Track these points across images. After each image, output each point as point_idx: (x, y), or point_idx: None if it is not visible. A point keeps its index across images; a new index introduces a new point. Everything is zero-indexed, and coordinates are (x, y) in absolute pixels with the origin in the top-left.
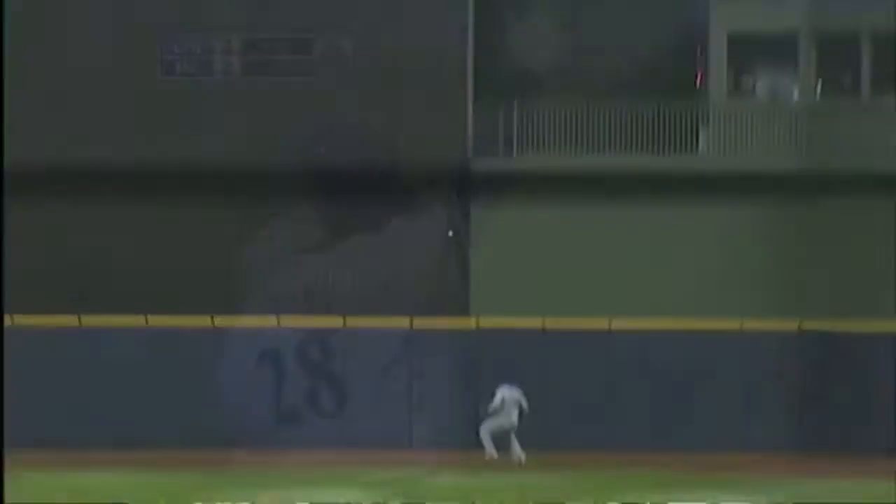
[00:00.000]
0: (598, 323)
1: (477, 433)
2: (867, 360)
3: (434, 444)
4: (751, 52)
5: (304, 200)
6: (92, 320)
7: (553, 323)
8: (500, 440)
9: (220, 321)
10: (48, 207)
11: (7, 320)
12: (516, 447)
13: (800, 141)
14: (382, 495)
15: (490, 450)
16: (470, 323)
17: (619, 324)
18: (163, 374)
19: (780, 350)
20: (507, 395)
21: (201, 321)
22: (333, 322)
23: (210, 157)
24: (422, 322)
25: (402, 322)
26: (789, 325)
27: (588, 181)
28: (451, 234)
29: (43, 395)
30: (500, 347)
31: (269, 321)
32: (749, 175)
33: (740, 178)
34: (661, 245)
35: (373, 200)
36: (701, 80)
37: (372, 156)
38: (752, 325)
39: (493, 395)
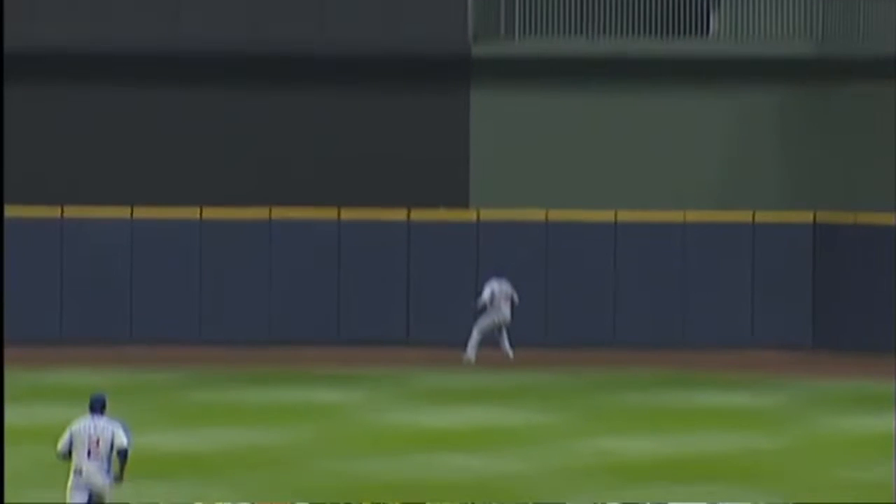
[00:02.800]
0: (604, 215)
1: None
2: (884, 253)
3: (432, 339)
4: None
5: (301, 88)
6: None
7: (556, 215)
8: (493, 336)
9: (232, 213)
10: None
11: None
12: (506, 344)
13: (815, 25)
14: (378, 392)
15: (470, 354)
16: (470, 215)
17: (626, 216)
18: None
19: (794, 243)
20: (497, 289)
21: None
22: (328, 213)
23: (204, 42)
24: (420, 214)
25: (399, 214)
26: (803, 216)
27: (593, 66)
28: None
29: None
30: (500, 240)
31: (262, 213)
32: (762, 60)
33: (753, 63)
34: (670, 134)
35: (373, 88)
36: None
37: (371, 42)
38: (765, 216)
39: (481, 290)
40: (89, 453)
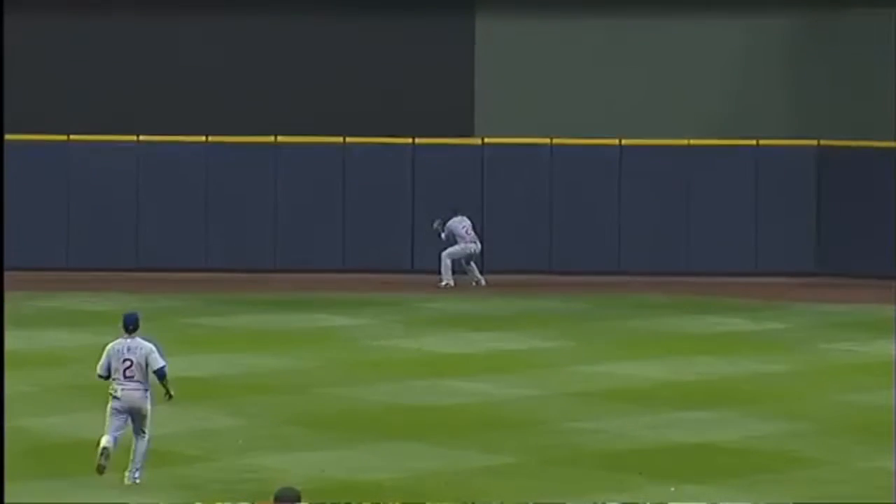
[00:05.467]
0: (608, 142)
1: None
2: (888, 178)
3: (437, 267)
4: None
5: (306, 17)
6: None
7: (561, 142)
8: (460, 265)
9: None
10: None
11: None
12: (478, 272)
13: None
14: (383, 318)
15: (448, 278)
16: (475, 142)
17: (630, 143)
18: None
19: (798, 169)
20: (468, 223)
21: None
22: (333, 141)
23: None
24: (425, 141)
25: (404, 141)
26: (807, 143)
27: None
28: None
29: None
30: (505, 167)
31: (267, 140)
32: None
33: None
34: (675, 60)
35: (377, 15)
36: None
37: None
38: (769, 143)
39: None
40: (125, 374)
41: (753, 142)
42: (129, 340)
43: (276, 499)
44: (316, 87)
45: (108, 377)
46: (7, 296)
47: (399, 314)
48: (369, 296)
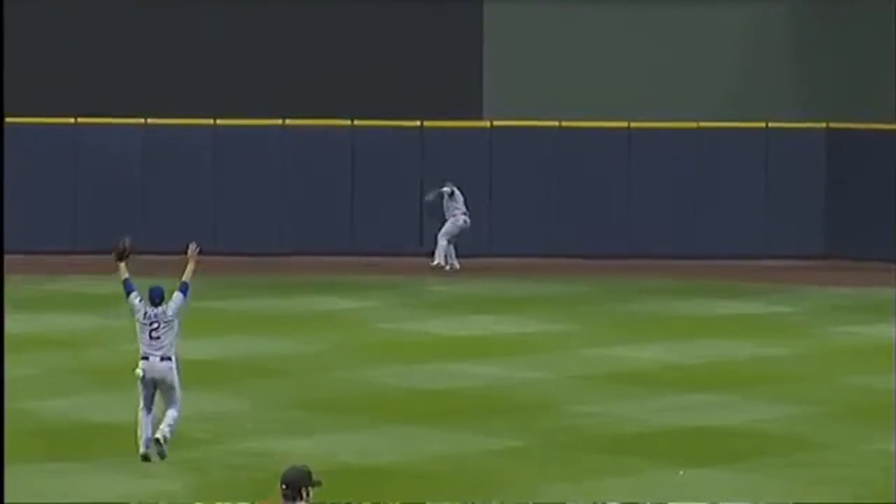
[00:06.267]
0: (617, 124)
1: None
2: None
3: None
4: None
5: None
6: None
7: (569, 124)
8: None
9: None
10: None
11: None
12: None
13: None
14: (392, 301)
15: (440, 259)
16: (483, 124)
17: (639, 125)
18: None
19: (807, 152)
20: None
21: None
22: (342, 123)
23: None
24: (433, 123)
25: (412, 124)
26: (816, 125)
27: None
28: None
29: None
30: (513, 149)
31: (275, 122)
32: None
33: None
34: (683, 43)
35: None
36: None
37: None
38: (778, 125)
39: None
40: (151, 335)
41: (763, 124)
42: (157, 309)
43: (283, 481)
44: (324, 70)
45: (129, 292)
46: (14, 279)
47: (406, 297)
48: (376, 278)
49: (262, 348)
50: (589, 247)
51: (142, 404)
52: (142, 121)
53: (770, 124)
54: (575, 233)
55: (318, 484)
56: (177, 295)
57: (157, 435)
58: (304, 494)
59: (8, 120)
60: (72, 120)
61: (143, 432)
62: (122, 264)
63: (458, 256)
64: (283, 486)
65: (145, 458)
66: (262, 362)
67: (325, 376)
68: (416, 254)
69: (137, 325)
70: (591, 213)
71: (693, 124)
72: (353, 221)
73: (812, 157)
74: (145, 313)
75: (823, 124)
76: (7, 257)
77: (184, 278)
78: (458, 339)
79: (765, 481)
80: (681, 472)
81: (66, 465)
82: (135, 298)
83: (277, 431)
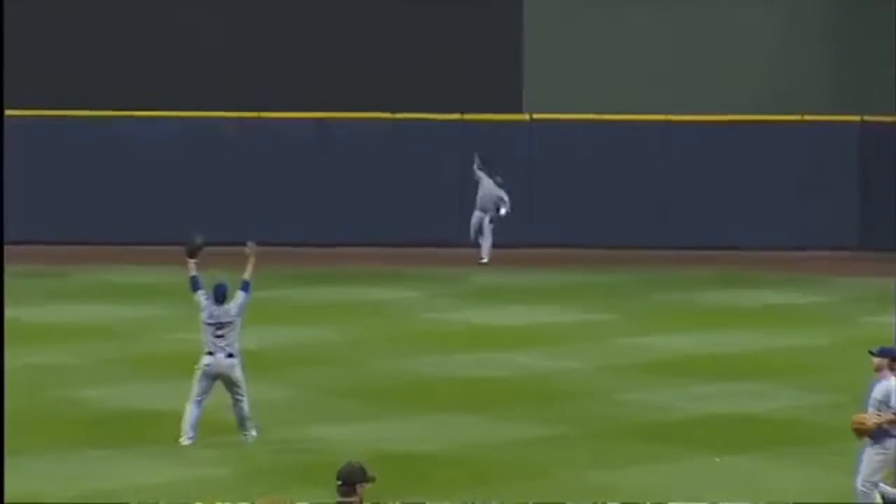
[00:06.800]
0: (654, 118)
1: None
2: None
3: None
4: None
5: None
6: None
7: (607, 119)
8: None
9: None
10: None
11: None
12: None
13: None
14: (432, 291)
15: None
16: (523, 117)
17: (677, 117)
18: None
19: (841, 145)
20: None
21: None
22: (382, 117)
23: None
24: (474, 117)
25: (453, 117)
26: (850, 118)
27: None
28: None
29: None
30: (552, 143)
31: (316, 116)
32: None
33: None
34: (720, 38)
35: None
36: None
37: None
38: (814, 117)
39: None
40: (215, 335)
41: (798, 117)
42: (222, 308)
43: (339, 477)
44: (365, 63)
45: (196, 285)
46: (53, 269)
47: (446, 287)
48: (417, 269)
49: (304, 338)
50: (626, 238)
51: (194, 396)
52: (178, 113)
53: (805, 117)
54: (612, 223)
55: (373, 480)
56: (239, 293)
57: (243, 440)
58: (359, 490)
59: (51, 113)
60: (114, 113)
61: (188, 422)
62: (192, 261)
63: (494, 247)
64: (339, 483)
65: (184, 446)
66: (305, 351)
67: (367, 365)
68: (455, 244)
69: (202, 322)
70: (629, 204)
71: (729, 117)
72: (394, 213)
73: (846, 150)
74: (210, 312)
75: (857, 118)
76: (50, 248)
77: (245, 277)
78: (498, 328)
79: (797, 468)
80: (717, 460)
81: (108, 452)
82: (201, 296)
83: (319, 419)
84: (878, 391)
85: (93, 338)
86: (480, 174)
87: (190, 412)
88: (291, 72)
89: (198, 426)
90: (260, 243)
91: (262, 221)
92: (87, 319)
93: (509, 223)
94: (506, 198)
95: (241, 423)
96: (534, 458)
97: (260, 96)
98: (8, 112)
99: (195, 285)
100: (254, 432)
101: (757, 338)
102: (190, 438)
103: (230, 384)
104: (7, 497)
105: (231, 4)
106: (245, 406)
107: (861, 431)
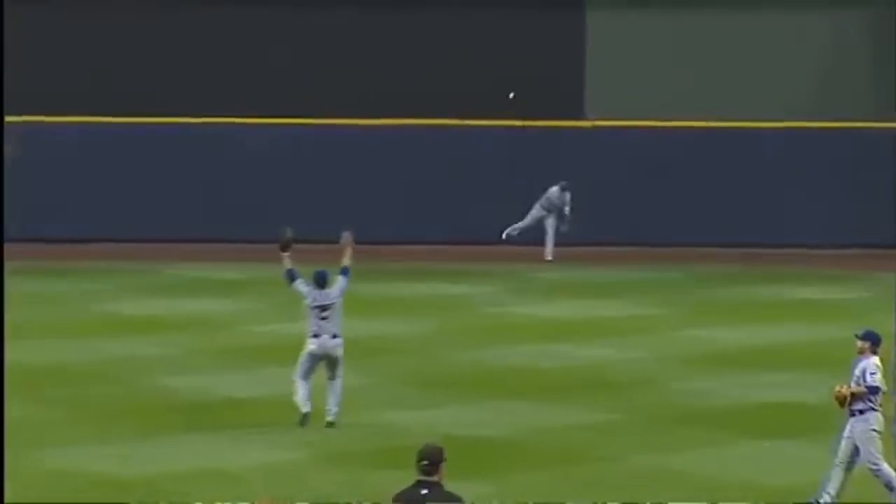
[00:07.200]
0: (705, 123)
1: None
2: None
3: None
4: None
5: (437, 9)
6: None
7: (662, 123)
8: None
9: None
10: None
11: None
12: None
13: None
14: (498, 287)
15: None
16: (585, 123)
17: (729, 123)
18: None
19: (881, 150)
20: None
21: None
22: (454, 122)
23: None
24: (539, 123)
25: (519, 122)
26: (889, 125)
27: None
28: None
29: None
30: (613, 145)
31: (394, 122)
32: None
33: None
34: (770, 49)
35: (496, 9)
36: None
37: None
38: (856, 123)
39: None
40: (320, 317)
41: (842, 123)
42: (323, 292)
43: (423, 457)
44: (437, 74)
45: (293, 277)
46: (152, 266)
47: (510, 283)
48: (483, 266)
49: (378, 329)
50: (680, 236)
51: (299, 374)
52: (270, 121)
53: (848, 123)
54: (668, 223)
55: (445, 460)
56: (339, 278)
57: (328, 418)
58: (440, 469)
59: (155, 119)
60: (212, 119)
61: (303, 396)
62: (285, 254)
63: (557, 245)
64: (423, 462)
65: (306, 417)
66: (379, 342)
67: (437, 355)
68: (519, 243)
69: (306, 307)
70: (681, 204)
71: (776, 124)
72: (463, 212)
73: (885, 154)
74: (314, 296)
75: (894, 124)
76: (143, 245)
77: (344, 263)
78: (558, 321)
79: None
80: (766, 444)
81: (201, 436)
82: (300, 285)
83: (392, 405)
84: (858, 368)
85: (185, 330)
86: (554, 188)
87: (301, 387)
88: (367, 81)
89: (309, 396)
90: (335, 241)
91: (343, 220)
92: (182, 312)
93: (571, 223)
94: (569, 208)
95: (332, 399)
96: (588, 441)
97: (337, 104)
98: (118, 119)
99: (291, 277)
100: (336, 409)
101: (800, 330)
102: (307, 407)
103: (332, 363)
104: (114, 478)
105: (336, 18)
106: (339, 385)
107: (840, 398)
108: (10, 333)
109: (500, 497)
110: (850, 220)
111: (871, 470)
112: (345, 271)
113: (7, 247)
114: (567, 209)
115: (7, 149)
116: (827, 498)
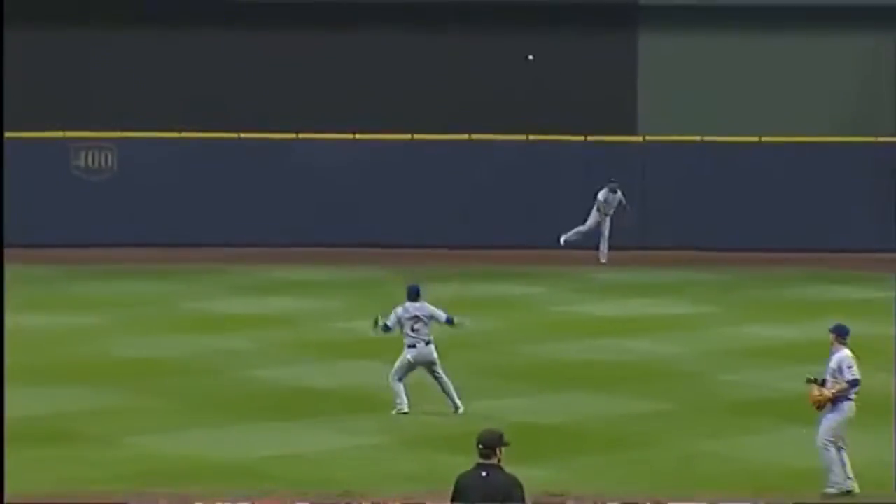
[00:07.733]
0: (750, 138)
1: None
2: None
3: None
4: None
5: (500, 33)
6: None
7: (710, 138)
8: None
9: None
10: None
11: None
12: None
13: None
14: (557, 287)
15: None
16: (637, 139)
17: (769, 138)
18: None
19: None
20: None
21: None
22: (518, 138)
23: None
24: (595, 138)
25: (577, 138)
26: None
27: (741, 13)
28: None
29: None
30: (663, 159)
31: (462, 137)
32: (881, 8)
33: (873, 9)
34: (804, 71)
35: (557, 33)
36: None
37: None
38: (885, 138)
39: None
40: (412, 328)
41: (872, 138)
42: (416, 304)
43: (480, 442)
44: (504, 94)
45: (389, 329)
46: (239, 268)
47: (571, 284)
48: (546, 269)
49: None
50: (727, 241)
51: (397, 376)
52: (351, 136)
53: (878, 138)
54: (715, 229)
55: (507, 444)
56: (441, 313)
57: (455, 411)
58: (498, 453)
59: (250, 135)
60: (293, 135)
61: (400, 394)
62: (379, 326)
63: (611, 249)
64: (480, 446)
65: (403, 414)
66: (454, 338)
67: (504, 350)
68: (579, 247)
69: (402, 319)
70: (730, 212)
71: (814, 138)
72: (529, 219)
73: None
74: (406, 307)
75: None
76: (229, 249)
77: (454, 316)
78: (615, 319)
79: (880, 437)
80: (804, 431)
81: (285, 424)
82: (393, 315)
83: (463, 396)
84: (833, 361)
85: (271, 326)
86: (606, 192)
87: (398, 386)
88: (445, 99)
89: (404, 394)
90: (412, 245)
91: (418, 226)
92: (266, 310)
93: (626, 229)
94: (625, 201)
95: (450, 396)
96: (643, 429)
97: (418, 119)
98: (210, 135)
99: (387, 327)
100: (457, 399)
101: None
102: (405, 407)
103: (430, 366)
104: (202, 462)
105: (393, 38)
106: (447, 379)
107: (821, 403)
108: (120, 330)
109: (559, 480)
110: (886, 226)
111: (818, 446)
112: (449, 319)
113: (115, 251)
114: (624, 202)
115: None
116: (849, 484)
